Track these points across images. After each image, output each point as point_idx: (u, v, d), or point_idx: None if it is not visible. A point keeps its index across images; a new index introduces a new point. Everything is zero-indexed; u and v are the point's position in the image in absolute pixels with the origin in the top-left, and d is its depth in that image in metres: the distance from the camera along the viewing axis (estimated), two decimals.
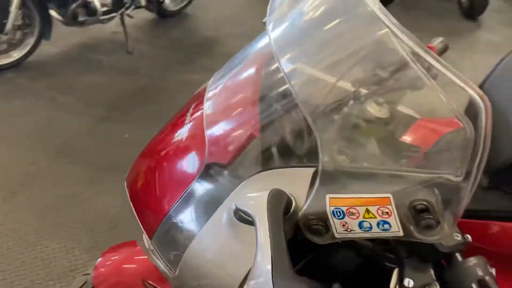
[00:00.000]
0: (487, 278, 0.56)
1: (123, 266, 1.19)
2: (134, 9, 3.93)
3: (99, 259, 1.22)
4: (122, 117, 3.02)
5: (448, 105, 0.50)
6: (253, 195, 0.58)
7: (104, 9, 3.54)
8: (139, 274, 1.14)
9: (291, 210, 0.57)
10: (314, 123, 0.55)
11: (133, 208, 0.84)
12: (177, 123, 0.87)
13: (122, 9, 3.73)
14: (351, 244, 0.65)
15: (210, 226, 0.65)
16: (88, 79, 3.44)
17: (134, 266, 1.17)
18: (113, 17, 3.71)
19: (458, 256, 0.59)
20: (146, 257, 1.16)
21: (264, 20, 0.97)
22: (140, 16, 4.31)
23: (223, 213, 0.64)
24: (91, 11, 3.49)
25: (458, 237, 0.58)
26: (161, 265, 0.75)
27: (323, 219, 0.55)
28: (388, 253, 0.63)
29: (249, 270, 0.51)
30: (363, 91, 0.65)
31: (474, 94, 0.48)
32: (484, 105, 0.47)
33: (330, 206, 0.53)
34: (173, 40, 4.21)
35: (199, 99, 0.85)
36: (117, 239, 2.05)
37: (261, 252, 0.50)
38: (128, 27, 3.86)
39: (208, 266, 0.66)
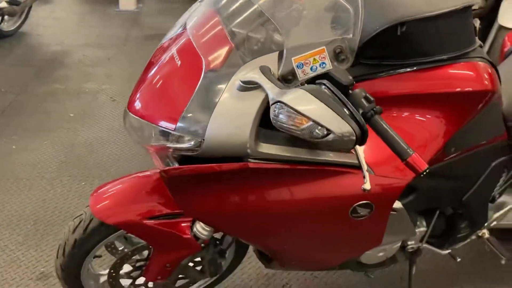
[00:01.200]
0: (367, 94, 1.12)
1: (116, 189, 1.51)
2: None
3: (90, 197, 1.52)
4: (2, 131, 3.09)
5: None
6: (249, 74, 1.06)
7: None
8: (135, 191, 1.49)
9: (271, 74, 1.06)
10: (273, 17, 1.05)
11: (144, 121, 1.21)
12: (163, 54, 1.27)
13: None
14: None
15: (222, 101, 1.10)
16: None
17: (127, 186, 1.51)
18: None
19: (351, 90, 1.14)
20: (136, 176, 1.52)
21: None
22: None
23: (227, 92, 1.10)
24: None
25: (350, 78, 1.13)
26: (185, 145, 1.16)
27: (292, 72, 1.05)
28: None
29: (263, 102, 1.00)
30: None
31: None
32: None
33: (294, 63, 1.04)
34: (21, 58, 4.24)
35: (172, 40, 1.28)
36: (46, 229, 2.28)
37: (268, 88, 0.99)
38: None
39: (226, 125, 1.10)
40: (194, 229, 1.51)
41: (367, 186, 1.10)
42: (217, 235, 1.73)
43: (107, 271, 1.70)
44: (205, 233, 1.51)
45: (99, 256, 1.71)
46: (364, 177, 1.12)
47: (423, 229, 1.75)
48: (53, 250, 2.20)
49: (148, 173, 1.57)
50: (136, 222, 1.45)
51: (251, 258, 2.18)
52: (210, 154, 1.16)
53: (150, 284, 1.76)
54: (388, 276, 2.13)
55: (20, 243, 2.25)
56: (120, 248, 1.65)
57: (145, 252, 1.66)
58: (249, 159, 1.16)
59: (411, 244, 1.79)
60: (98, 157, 2.90)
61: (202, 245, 1.59)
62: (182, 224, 1.49)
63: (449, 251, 1.88)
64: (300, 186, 1.27)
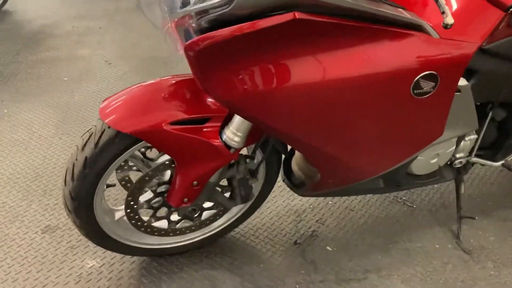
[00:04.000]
0: None
1: (129, 97, 1.29)
2: None
3: (100, 109, 1.31)
4: None
5: None
6: None
7: None
8: (151, 97, 1.28)
9: None
10: None
11: None
12: None
13: None
14: None
15: None
16: None
17: (141, 93, 1.30)
18: None
19: None
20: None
21: None
22: None
23: None
24: None
25: None
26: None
27: None
28: None
29: None
30: None
31: None
32: None
33: None
34: (7, 32, 4.00)
35: None
36: (48, 184, 2.06)
37: None
38: None
39: None
40: (224, 136, 1.30)
41: (450, 20, 0.90)
42: (246, 151, 1.53)
43: (123, 207, 1.49)
44: (236, 139, 1.30)
45: (113, 185, 1.50)
46: (443, 12, 0.91)
47: (473, 136, 1.56)
48: (58, 204, 1.98)
49: (160, 80, 1.36)
50: (157, 129, 1.24)
51: (276, 197, 1.98)
52: (245, 7, 0.95)
53: (174, 216, 1.55)
54: (429, 205, 1.94)
55: (20, 199, 2.02)
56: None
57: (167, 174, 1.45)
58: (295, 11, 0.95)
59: (460, 157, 1.59)
60: (97, 115, 2.66)
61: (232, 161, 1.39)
62: (210, 130, 1.29)
63: (502, 162, 1.69)
64: (355, 51, 1.06)
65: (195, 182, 1.37)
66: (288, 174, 1.63)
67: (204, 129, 1.28)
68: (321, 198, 1.97)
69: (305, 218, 1.88)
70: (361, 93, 1.11)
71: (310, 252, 1.71)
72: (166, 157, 1.43)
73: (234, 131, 1.29)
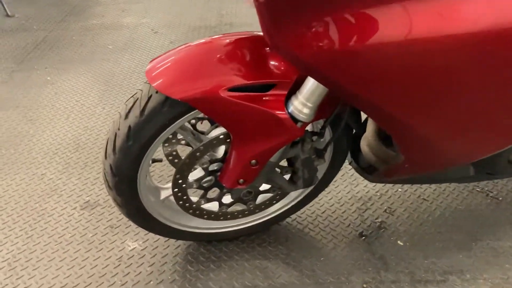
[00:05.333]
0: None
1: (179, 58, 1.09)
2: None
3: (146, 72, 1.12)
4: (36, 64, 2.76)
5: None
6: None
7: None
8: (204, 58, 1.08)
9: None
10: None
11: None
12: None
13: None
14: None
15: None
16: None
17: (193, 53, 1.10)
18: None
19: None
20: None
21: None
22: None
23: None
24: None
25: None
26: None
27: None
28: None
29: None
30: None
31: None
32: None
33: None
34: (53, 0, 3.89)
35: None
36: (89, 157, 1.92)
37: None
38: None
39: None
40: (291, 107, 1.09)
41: None
42: (311, 128, 1.31)
43: (169, 185, 1.32)
44: (305, 111, 1.08)
45: (159, 161, 1.32)
46: None
47: None
48: (98, 178, 1.84)
49: (213, 39, 1.15)
50: (213, 96, 1.04)
51: (337, 182, 1.76)
52: None
53: (226, 198, 1.36)
54: None
55: (60, 171, 1.89)
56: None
57: (221, 150, 1.25)
58: None
59: None
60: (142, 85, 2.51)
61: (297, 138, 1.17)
62: (274, 99, 1.07)
63: None
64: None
65: (253, 161, 1.16)
66: (356, 156, 1.41)
67: (268, 98, 1.07)
68: (388, 185, 1.73)
69: (371, 207, 1.65)
70: (471, 54, 0.87)
71: (379, 247, 1.49)
72: (219, 130, 1.23)
73: (304, 101, 1.07)
